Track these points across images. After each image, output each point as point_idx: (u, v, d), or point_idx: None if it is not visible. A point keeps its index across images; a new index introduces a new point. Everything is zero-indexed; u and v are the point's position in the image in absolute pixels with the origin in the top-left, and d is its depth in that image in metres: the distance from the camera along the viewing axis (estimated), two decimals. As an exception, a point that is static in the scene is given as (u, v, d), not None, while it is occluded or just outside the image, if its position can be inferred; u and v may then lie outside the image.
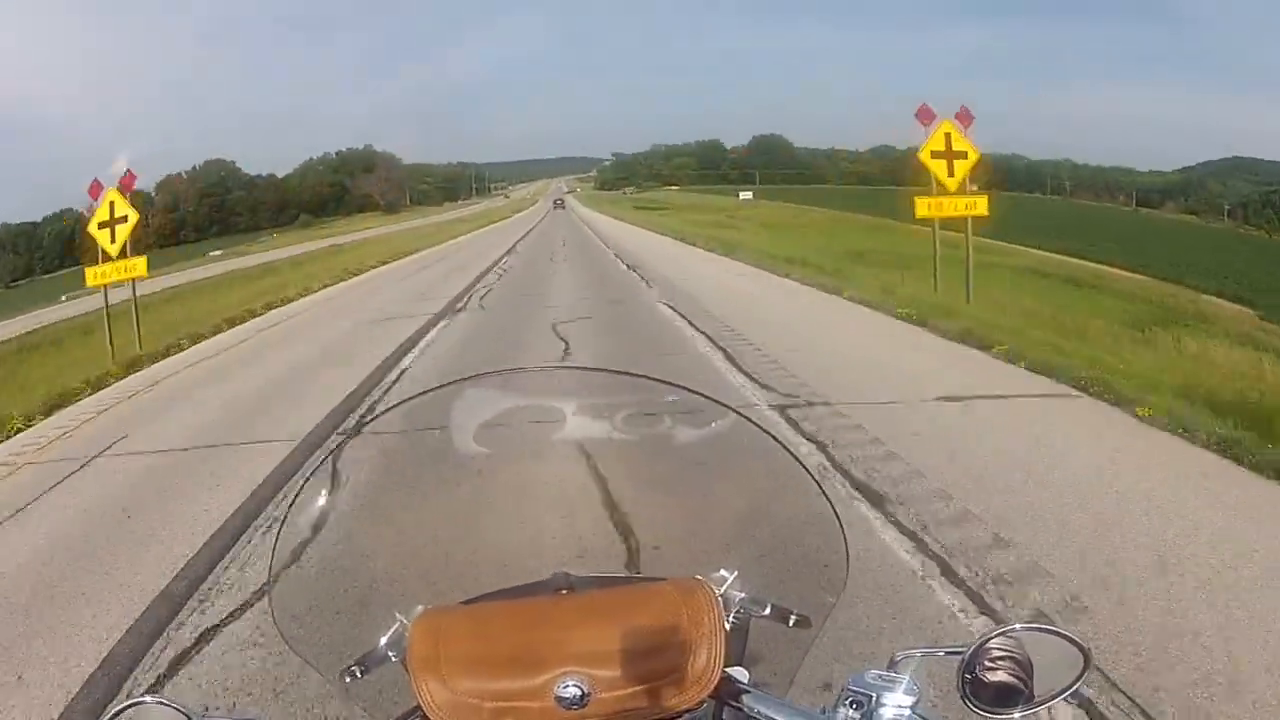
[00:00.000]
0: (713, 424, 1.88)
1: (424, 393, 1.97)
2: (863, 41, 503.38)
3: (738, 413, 1.81)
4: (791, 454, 1.72)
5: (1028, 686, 1.29)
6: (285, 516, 1.73)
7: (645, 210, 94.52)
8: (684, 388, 1.83)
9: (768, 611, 1.54)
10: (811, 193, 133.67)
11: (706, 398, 1.83)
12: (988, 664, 1.28)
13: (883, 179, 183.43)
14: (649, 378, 1.88)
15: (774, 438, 1.75)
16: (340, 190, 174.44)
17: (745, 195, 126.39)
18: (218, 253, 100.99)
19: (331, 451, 1.93)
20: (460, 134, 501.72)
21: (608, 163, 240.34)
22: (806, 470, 1.70)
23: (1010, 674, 1.28)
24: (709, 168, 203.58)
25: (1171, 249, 78.10)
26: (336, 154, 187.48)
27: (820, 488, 1.67)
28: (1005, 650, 1.28)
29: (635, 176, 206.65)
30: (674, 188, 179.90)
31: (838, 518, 1.64)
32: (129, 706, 1.30)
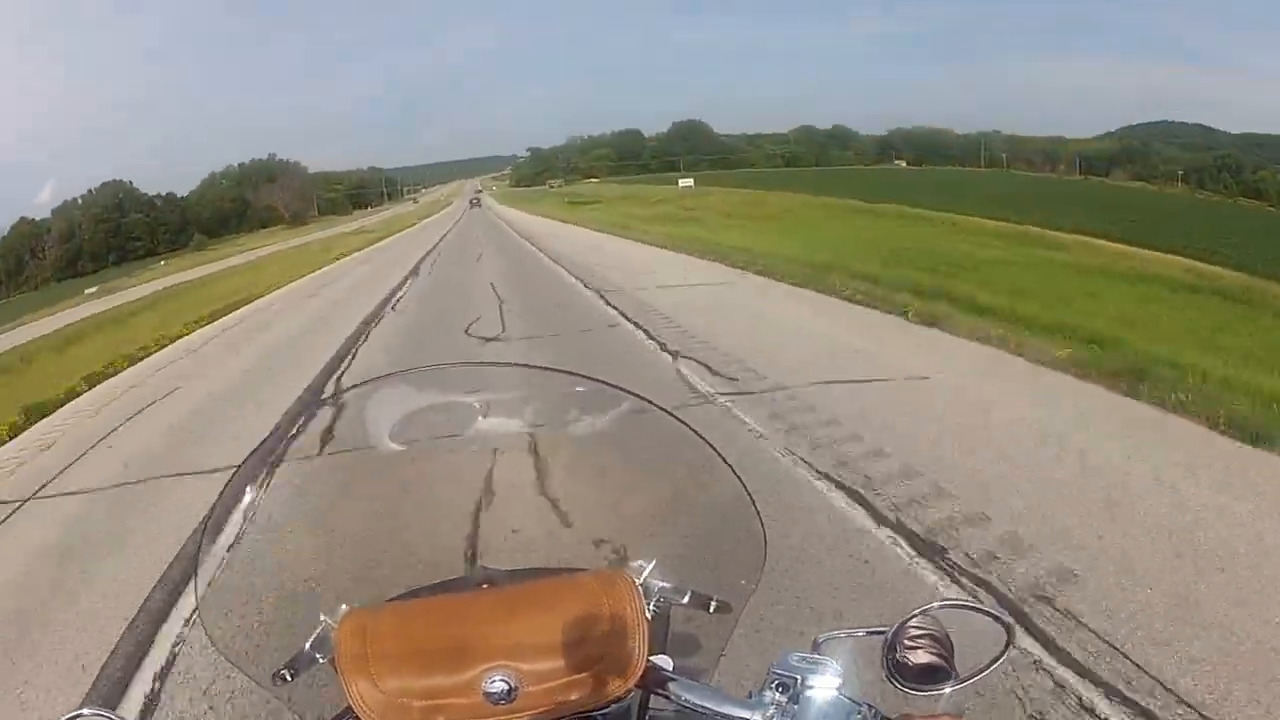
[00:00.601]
0: (632, 417, 1.87)
1: (345, 391, 1.59)
2: (779, 24, 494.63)
3: (657, 405, 1.79)
4: (710, 445, 1.70)
5: (950, 664, 1.31)
6: (208, 521, 1.72)
7: (577, 206, 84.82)
8: (603, 381, 1.83)
9: (688, 599, 1.57)
10: (754, 177, 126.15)
11: (627, 391, 1.82)
12: (908, 644, 1.31)
13: (807, 159, 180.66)
14: (567, 372, 1.88)
15: (692, 430, 1.72)
16: (242, 205, 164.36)
17: (686, 183, 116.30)
18: (93, 290, 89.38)
19: (252, 454, 1.81)
20: (371, 140, 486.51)
21: (523, 159, 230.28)
22: (724, 461, 1.69)
23: (932, 653, 1.30)
24: (628, 158, 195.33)
25: (1179, 222, 69.26)
26: (239, 166, 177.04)
27: (738, 477, 1.67)
28: (925, 629, 1.31)
29: (553, 170, 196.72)
30: (593, 180, 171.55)
31: (754, 506, 1.66)
32: (70, 718, 1.28)
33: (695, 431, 1.72)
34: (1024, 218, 61.91)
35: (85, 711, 1.29)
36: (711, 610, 1.60)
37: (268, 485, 1.80)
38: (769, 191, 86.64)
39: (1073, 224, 60.70)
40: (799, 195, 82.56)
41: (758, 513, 1.65)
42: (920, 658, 1.30)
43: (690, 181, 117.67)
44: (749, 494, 1.65)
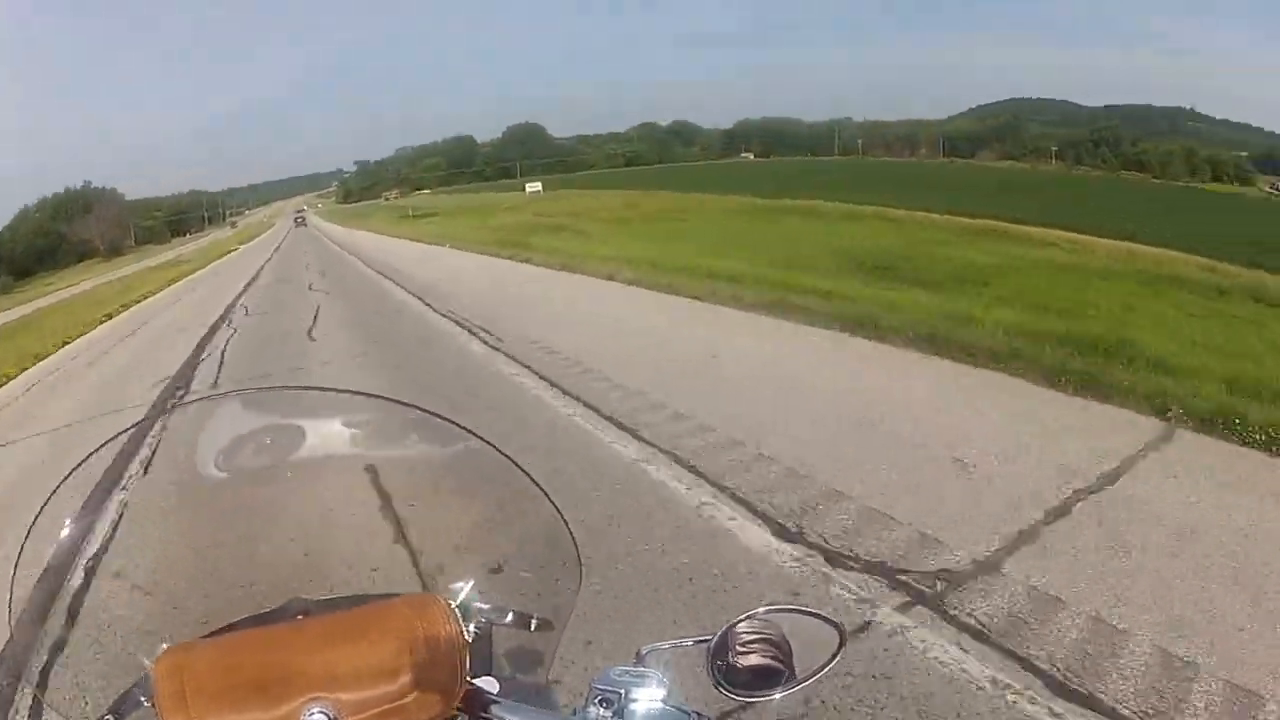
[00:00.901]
0: (452, 446, 1.90)
1: (168, 411, 1.70)
2: (614, 21, 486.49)
3: (473, 433, 1.80)
4: (522, 469, 1.73)
5: (787, 667, 1.34)
6: (20, 555, 1.61)
7: (413, 220, 77.98)
8: (421, 409, 1.84)
9: (509, 619, 1.60)
10: (597, 178, 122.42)
11: (443, 418, 1.82)
12: (740, 649, 1.33)
13: (650, 157, 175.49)
14: (389, 399, 1.87)
15: (505, 455, 1.75)
16: (57, 239, 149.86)
17: (534, 188, 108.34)
18: None
19: (65, 479, 1.72)
20: (193, 164, 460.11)
21: (350, 173, 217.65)
22: (537, 484, 1.71)
23: (766, 656, 1.33)
24: (461, 166, 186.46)
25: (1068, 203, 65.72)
26: (53, 197, 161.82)
27: (551, 500, 1.70)
28: (759, 633, 1.34)
29: (383, 183, 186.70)
30: (424, 191, 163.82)
31: (567, 527, 1.68)
32: None
33: (509, 457, 1.73)
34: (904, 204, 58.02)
35: None
36: (533, 629, 1.61)
37: (84, 514, 1.72)
38: (644, 193, 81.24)
39: (946, 207, 56.82)
40: (674, 195, 76.09)
41: (572, 537, 1.67)
42: (752, 661, 1.30)
43: (538, 186, 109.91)
44: (562, 516, 1.67)
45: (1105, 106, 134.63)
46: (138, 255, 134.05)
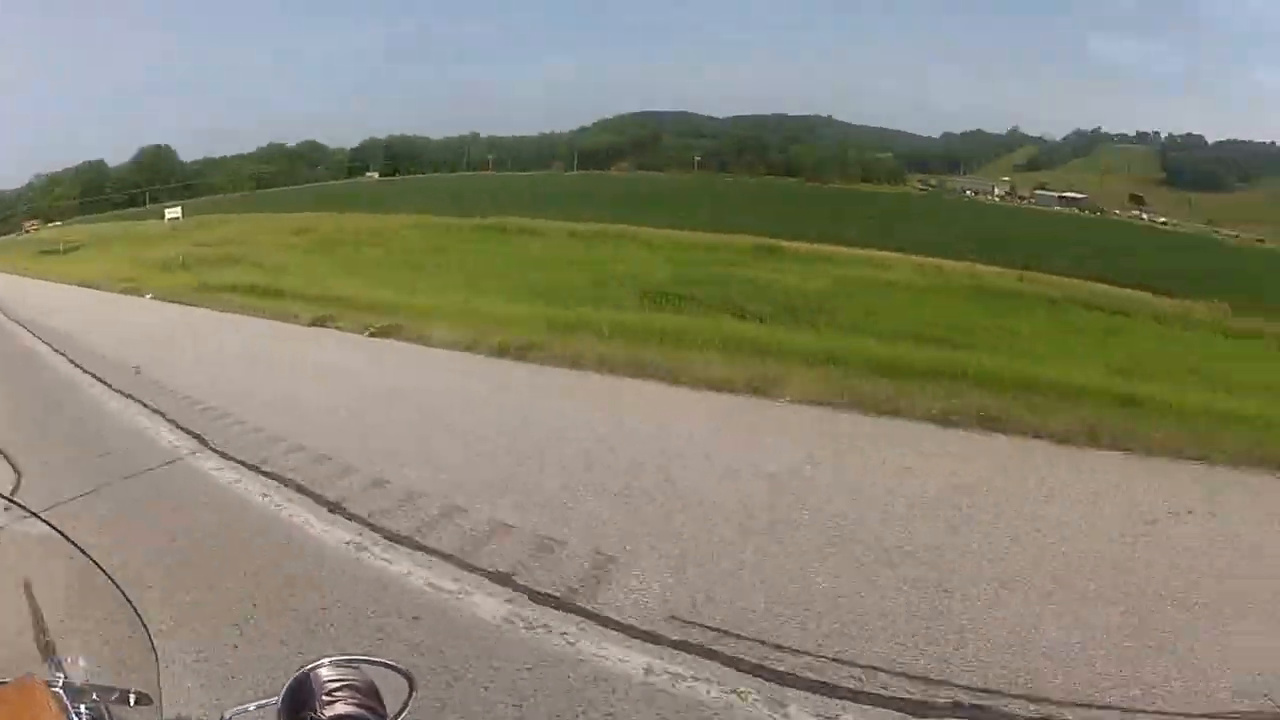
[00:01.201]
0: (19, 530, 1.91)
1: None
2: (236, 40, 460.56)
3: (40, 518, 1.83)
4: (85, 554, 1.73)
5: (379, 712, 1.36)
6: None
7: (61, 257, 73.06)
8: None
9: (115, 696, 1.58)
10: (222, 203, 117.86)
11: (20, 505, 1.88)
12: (326, 698, 1.33)
13: (281, 179, 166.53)
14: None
15: (70, 540, 1.75)
16: None
17: (173, 214, 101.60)
18: None
19: None
20: None
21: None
22: (101, 569, 1.71)
23: (353, 703, 1.34)
24: (92, 193, 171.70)
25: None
26: None
27: (115, 583, 1.71)
28: (344, 679, 1.36)
29: (18, 215, 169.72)
30: (55, 224, 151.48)
31: (132, 606, 1.69)
32: None
33: (75, 543, 1.73)
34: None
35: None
36: (133, 703, 1.58)
37: None
38: (311, 215, 75.65)
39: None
40: (346, 216, 70.79)
41: (135, 608, 1.67)
42: (339, 711, 1.30)
43: (177, 212, 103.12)
44: (128, 598, 1.67)
45: (735, 117, 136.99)
46: None
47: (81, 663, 1.62)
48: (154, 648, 1.67)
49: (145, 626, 1.66)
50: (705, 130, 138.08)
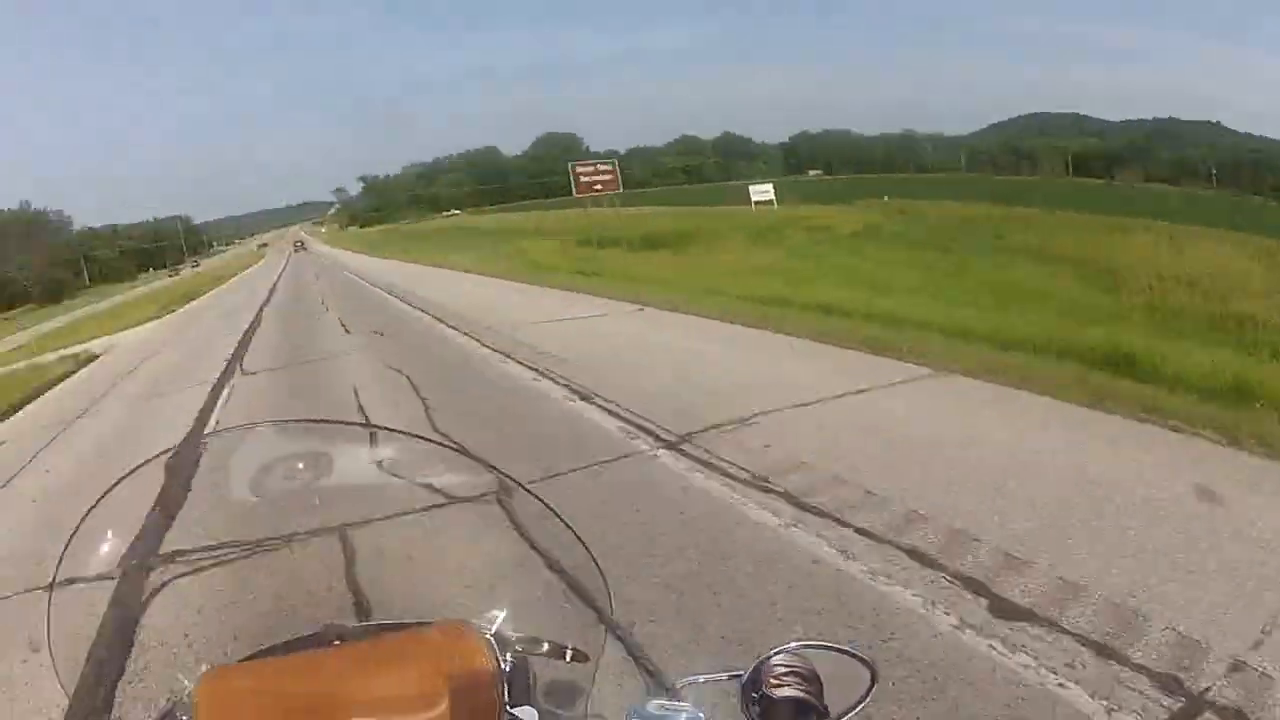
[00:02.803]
0: (478, 481, 1.97)
1: (201, 440, 1.78)
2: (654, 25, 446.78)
3: (501, 473, 1.85)
4: (549, 507, 1.73)
5: (819, 702, 1.32)
6: (54, 578, 1.61)
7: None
8: (454, 447, 1.94)
9: (544, 649, 1.58)
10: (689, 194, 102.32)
11: (476, 459, 1.87)
12: (774, 681, 1.31)
13: (712, 173, 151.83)
14: (421, 436, 1.92)
15: (532, 493, 1.77)
16: None
17: (762, 192, 72.41)
18: None
19: (99, 502, 1.68)
20: (166, 187, 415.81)
21: (352, 197, 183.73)
22: (564, 522, 1.71)
23: (799, 689, 1.31)
24: (491, 181, 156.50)
25: None
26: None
27: (578, 537, 1.69)
28: (791, 666, 1.32)
29: (395, 204, 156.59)
30: (455, 212, 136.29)
31: (596, 563, 1.67)
32: None
33: (537, 496, 1.74)
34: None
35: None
36: (568, 660, 1.59)
37: (121, 534, 1.72)
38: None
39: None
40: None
41: (599, 568, 1.66)
42: (786, 694, 1.29)
43: (769, 191, 72.58)
44: (589, 551, 1.65)
45: (1124, 121, 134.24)
46: (89, 296, 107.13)
47: (518, 615, 1.59)
48: (610, 609, 1.67)
49: (607, 588, 1.63)
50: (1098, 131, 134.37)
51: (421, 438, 1.90)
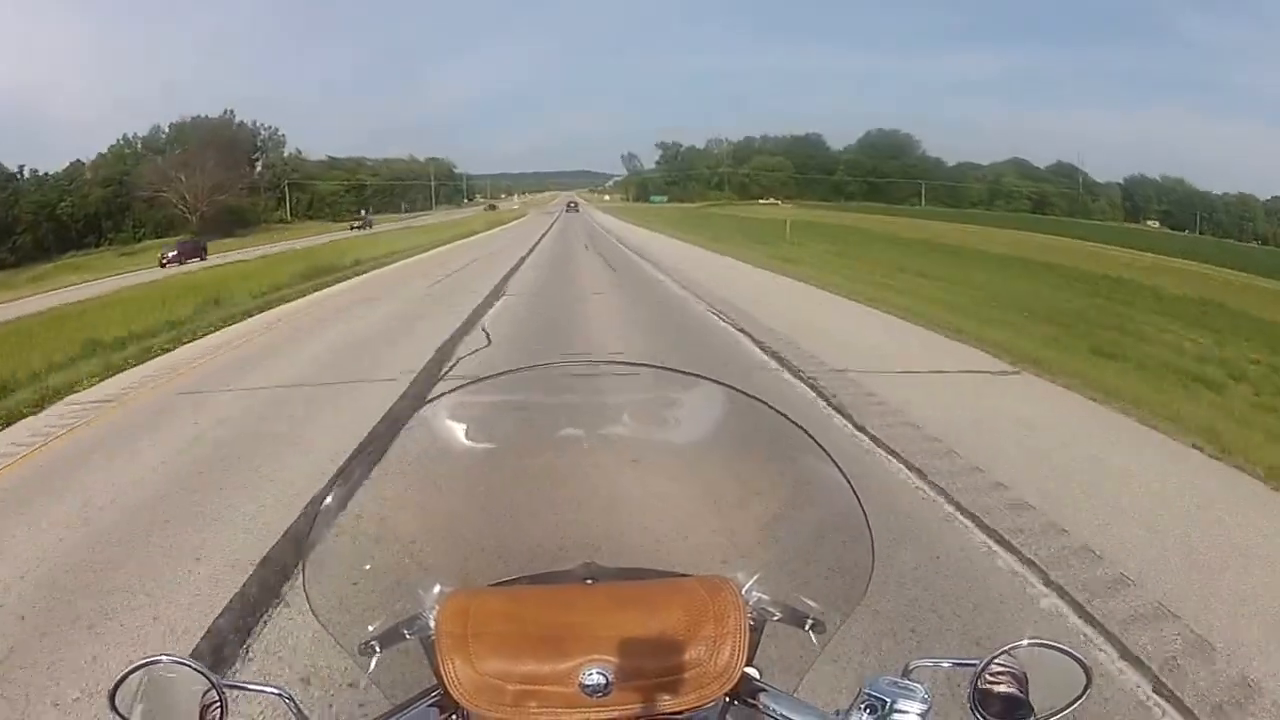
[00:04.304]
0: (746, 420, 1.88)
1: (473, 381, 1.92)
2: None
3: (776, 410, 1.74)
4: (827, 453, 1.66)
5: (1028, 700, 1.33)
6: (329, 491, 1.71)
7: None
8: (718, 381, 1.85)
9: (785, 614, 1.58)
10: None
11: (741, 392, 1.80)
12: (989, 677, 1.32)
13: (1059, 206, 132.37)
14: (682, 371, 1.92)
15: (810, 435, 1.69)
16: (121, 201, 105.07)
17: None
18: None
19: (379, 433, 1.92)
20: (446, 146, 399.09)
21: (647, 169, 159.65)
22: (842, 473, 1.64)
23: (1012, 688, 1.32)
24: (812, 172, 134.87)
25: None
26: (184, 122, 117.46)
27: (854, 492, 1.62)
28: (1004, 665, 1.33)
29: (698, 180, 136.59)
30: (773, 201, 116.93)
31: (868, 524, 1.61)
32: (144, 665, 1.31)
33: (815, 440, 1.67)
34: None
35: (163, 658, 1.32)
36: (806, 628, 1.57)
37: (390, 462, 1.85)
38: None
39: None
40: None
41: (870, 533, 1.60)
42: (1002, 690, 1.30)
43: None
44: (864, 511, 1.59)
45: None
46: (264, 238, 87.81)
47: (770, 574, 1.58)
48: (868, 579, 1.57)
49: (872, 557, 1.57)
50: None
51: (696, 375, 1.83)
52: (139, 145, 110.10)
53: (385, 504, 1.88)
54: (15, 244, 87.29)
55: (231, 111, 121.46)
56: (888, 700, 1.24)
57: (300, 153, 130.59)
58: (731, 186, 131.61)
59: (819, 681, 1.47)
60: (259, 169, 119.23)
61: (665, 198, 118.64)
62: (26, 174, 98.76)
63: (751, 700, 1.36)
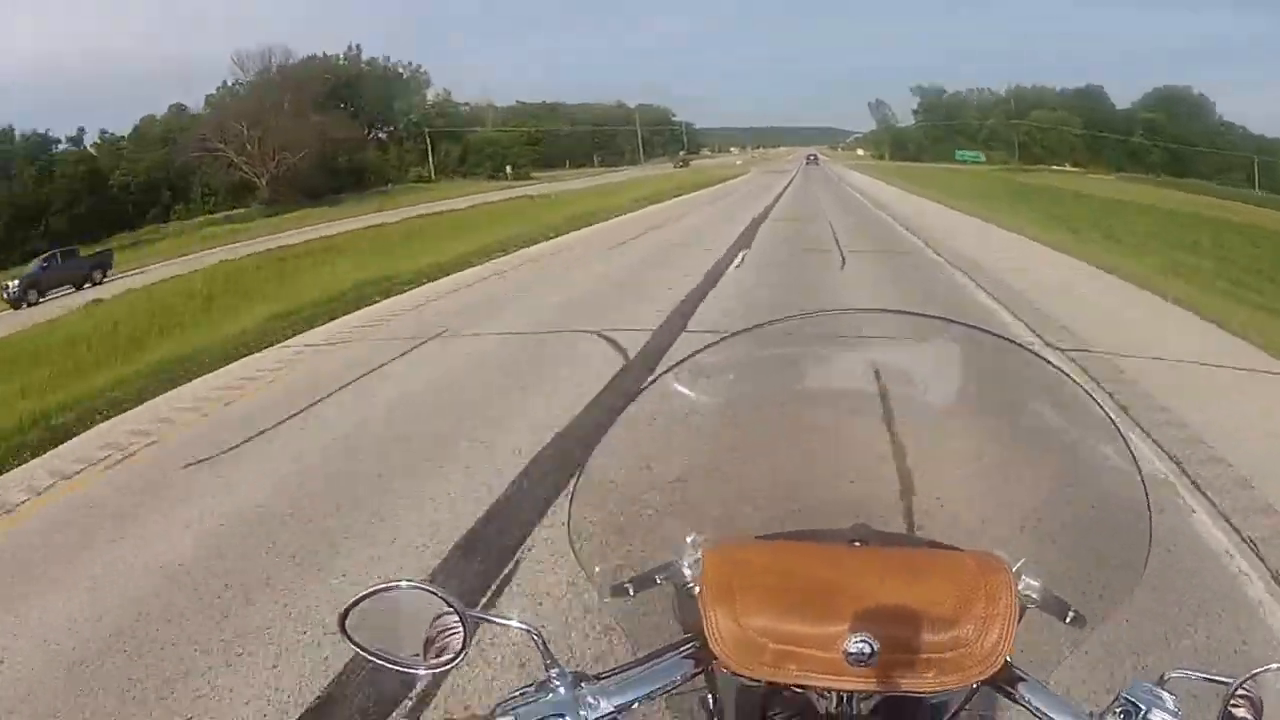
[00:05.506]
0: (1023, 380, 1.83)
1: (747, 330, 1.89)
2: None
3: (1059, 369, 1.71)
4: (1116, 427, 1.58)
5: None
6: (605, 437, 1.73)
7: None
8: (1003, 337, 1.81)
9: (1046, 600, 1.51)
10: None
11: (1021, 346, 1.76)
12: (1232, 701, 1.28)
13: None
14: (963, 324, 1.83)
15: (1097, 403, 1.61)
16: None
17: None
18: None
19: (661, 376, 1.82)
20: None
21: (903, 125, 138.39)
22: (1130, 451, 1.57)
23: (1249, 713, 1.28)
24: (1101, 129, 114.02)
25: None
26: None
27: (1140, 474, 1.56)
28: (1247, 690, 1.28)
29: (965, 132, 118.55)
30: (1066, 168, 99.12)
31: (1149, 513, 1.55)
32: (379, 590, 1.33)
33: (1099, 405, 1.59)
34: None
35: (402, 584, 1.33)
36: (1067, 621, 1.50)
37: (664, 407, 1.81)
38: None
39: None
40: None
41: (1150, 523, 1.53)
42: (1240, 714, 1.25)
43: None
44: (1148, 499, 1.53)
45: None
46: (367, 206, 72.17)
47: (1040, 556, 1.52)
48: (1141, 570, 1.52)
49: (1148, 547, 1.51)
50: None
51: (964, 324, 1.75)
52: (240, 92, 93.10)
53: (652, 452, 1.84)
54: (47, 227, 70.56)
55: (357, 48, 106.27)
56: (1142, 708, 1.21)
57: (448, 94, 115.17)
58: (1003, 144, 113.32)
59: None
60: (400, 118, 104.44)
61: (980, 155, 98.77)
62: (95, 138, 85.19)
63: (1009, 688, 1.30)
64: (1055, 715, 1.26)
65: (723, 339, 1.83)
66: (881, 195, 52.17)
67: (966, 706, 1.38)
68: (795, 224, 32.58)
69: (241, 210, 77.44)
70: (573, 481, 1.72)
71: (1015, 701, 1.30)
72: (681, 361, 1.74)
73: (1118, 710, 1.21)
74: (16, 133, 79.73)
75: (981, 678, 1.28)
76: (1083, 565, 1.61)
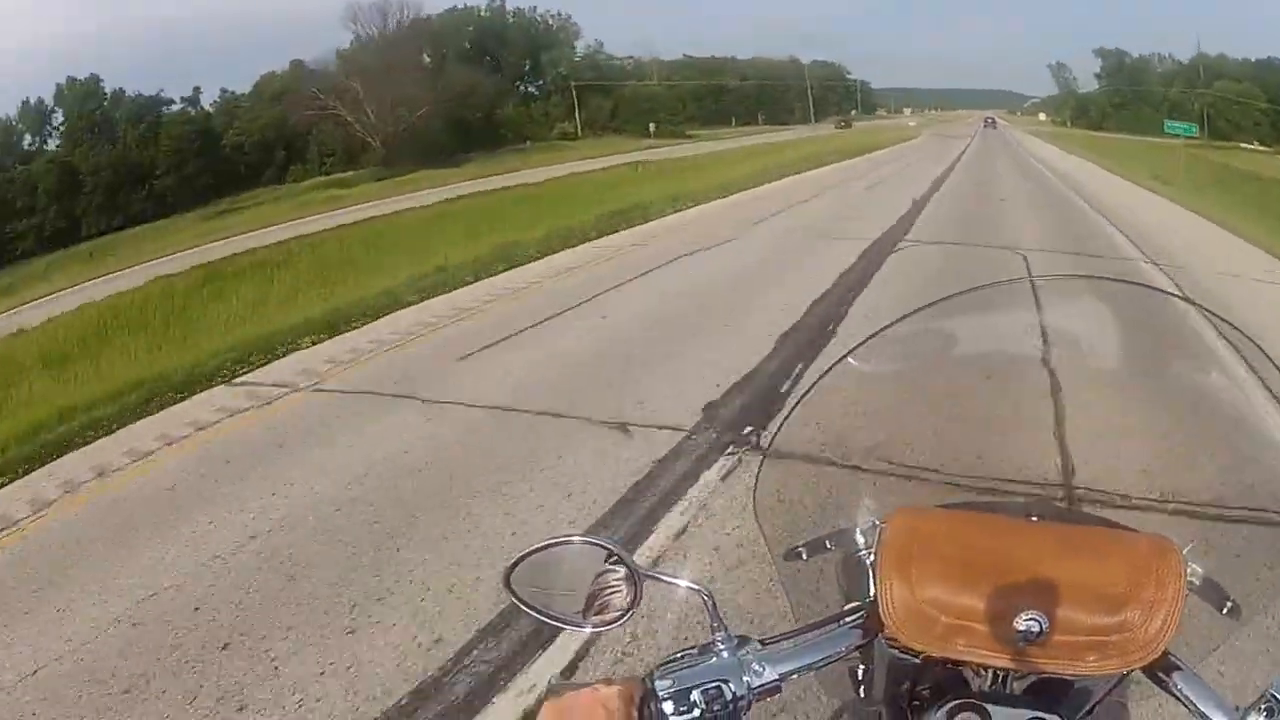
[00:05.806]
0: (1213, 354, 1.79)
1: (929, 305, 1.84)
2: None
3: (1255, 342, 1.59)
4: None
5: None
6: (790, 414, 1.74)
7: None
8: (1184, 298, 1.79)
9: (1205, 589, 1.48)
10: None
11: (1218, 317, 1.70)
12: None
13: None
14: (1161, 289, 2.08)
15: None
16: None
17: None
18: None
19: (851, 352, 1.83)
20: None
21: (1089, 90, 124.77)
22: None
23: None
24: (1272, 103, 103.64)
25: None
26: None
27: None
28: None
29: (1151, 100, 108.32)
30: (1257, 147, 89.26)
31: None
32: (551, 545, 1.34)
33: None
34: None
35: (575, 538, 1.35)
36: (1223, 611, 1.47)
37: (849, 377, 1.80)
38: None
39: None
40: None
41: None
42: None
43: None
44: None
45: None
46: (496, 166, 65.43)
47: (1201, 547, 1.45)
48: None
49: None
50: None
51: (1163, 292, 1.82)
52: (372, 48, 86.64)
53: (833, 428, 1.83)
54: (150, 190, 70.26)
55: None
56: None
57: (600, 45, 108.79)
58: (1184, 116, 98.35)
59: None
60: (549, 70, 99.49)
61: (1193, 128, 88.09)
62: (215, 97, 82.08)
63: (1164, 676, 1.27)
64: (1205, 707, 1.22)
65: (901, 318, 1.76)
66: (1094, 188, 34.42)
67: (1114, 691, 1.34)
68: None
69: (349, 174, 73.30)
70: (759, 458, 1.79)
71: (1167, 690, 1.26)
72: (861, 343, 1.71)
73: (1263, 707, 1.17)
74: (126, 94, 77.06)
75: (1141, 664, 1.24)
76: (1246, 557, 1.53)
